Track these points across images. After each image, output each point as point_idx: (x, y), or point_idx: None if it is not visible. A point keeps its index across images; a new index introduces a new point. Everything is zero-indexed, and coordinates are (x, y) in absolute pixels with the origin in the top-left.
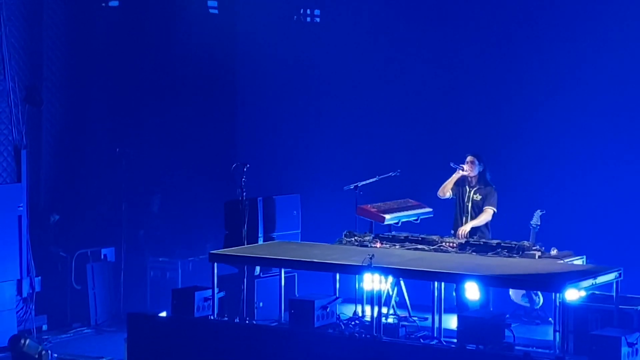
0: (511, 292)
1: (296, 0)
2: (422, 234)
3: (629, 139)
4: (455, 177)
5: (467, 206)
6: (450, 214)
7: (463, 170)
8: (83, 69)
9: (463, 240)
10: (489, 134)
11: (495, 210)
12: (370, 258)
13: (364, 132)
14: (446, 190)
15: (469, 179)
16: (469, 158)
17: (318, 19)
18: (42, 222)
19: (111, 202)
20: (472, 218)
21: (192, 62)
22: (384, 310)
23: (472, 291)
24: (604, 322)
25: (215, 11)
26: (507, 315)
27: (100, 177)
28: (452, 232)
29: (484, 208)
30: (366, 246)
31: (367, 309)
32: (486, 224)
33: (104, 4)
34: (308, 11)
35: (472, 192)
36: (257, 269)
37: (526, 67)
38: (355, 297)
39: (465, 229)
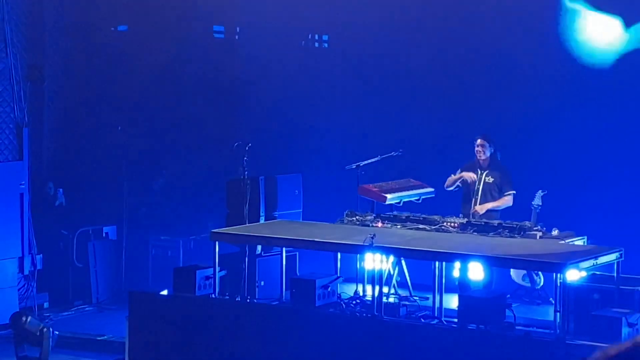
0: (512, 272)
1: None
2: (424, 214)
3: (631, 120)
4: (458, 176)
5: (478, 189)
6: (451, 193)
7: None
8: (86, 47)
9: (464, 221)
10: (491, 114)
11: (515, 192)
12: (372, 237)
13: (366, 112)
14: (450, 187)
15: (480, 161)
16: (478, 141)
17: None
18: (44, 200)
19: (113, 180)
20: (482, 202)
21: (194, 42)
22: (385, 289)
23: (475, 271)
24: (605, 302)
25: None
26: (508, 295)
27: (102, 155)
28: (461, 214)
29: (503, 194)
30: (368, 226)
31: (368, 288)
32: (498, 212)
33: None
34: None
35: (484, 175)
36: (259, 247)
37: (529, 49)
38: (356, 277)
39: (483, 207)
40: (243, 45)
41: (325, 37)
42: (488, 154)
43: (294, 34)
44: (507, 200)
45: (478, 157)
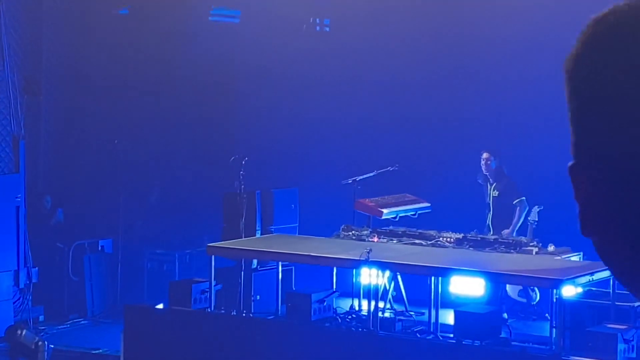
0: (508, 287)
1: None
2: (420, 229)
3: None
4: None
5: (489, 204)
6: (448, 209)
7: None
8: (83, 60)
9: (460, 236)
10: (488, 130)
11: (523, 198)
12: (368, 252)
13: (363, 127)
14: None
15: (488, 176)
16: (483, 155)
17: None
18: (40, 213)
19: (109, 194)
20: (494, 215)
21: (193, 57)
22: (381, 304)
23: (473, 287)
24: (601, 318)
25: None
26: (504, 312)
27: (98, 168)
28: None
29: (513, 204)
30: (364, 240)
31: (364, 303)
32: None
33: None
34: None
35: (491, 189)
36: (255, 261)
37: (527, 63)
38: (352, 291)
39: (508, 232)
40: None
41: (322, 46)
42: (493, 167)
43: (293, 39)
44: (518, 213)
45: (483, 171)
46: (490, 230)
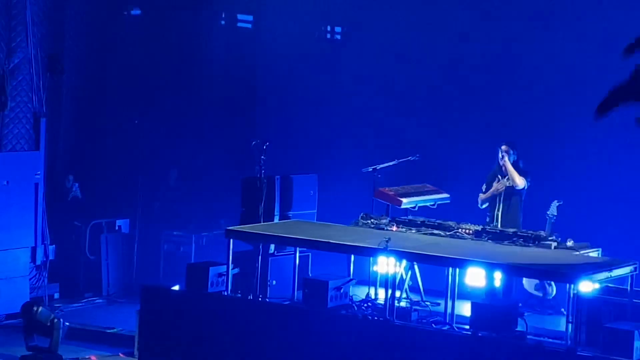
0: (525, 281)
1: None
2: (439, 220)
3: None
4: (490, 193)
5: (501, 194)
6: (467, 200)
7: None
8: (105, 39)
9: (479, 228)
10: (508, 123)
11: (525, 182)
12: (387, 241)
13: (384, 115)
14: (485, 203)
15: (503, 168)
16: (503, 147)
17: None
18: (59, 191)
19: (128, 174)
20: (504, 206)
21: (218, 44)
22: (397, 294)
23: (477, 277)
24: (618, 315)
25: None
26: (520, 304)
27: (118, 148)
28: (487, 219)
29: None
30: (382, 229)
31: (380, 291)
32: (519, 214)
33: None
34: None
35: (504, 180)
36: (272, 247)
37: (547, 56)
38: (368, 280)
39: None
40: (262, 42)
41: (343, 37)
42: (511, 160)
43: (314, 31)
44: (520, 177)
45: (500, 163)
46: (496, 223)
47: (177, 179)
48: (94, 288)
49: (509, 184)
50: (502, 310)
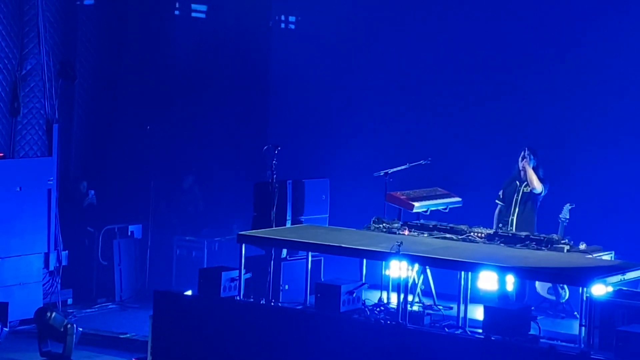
0: (537, 284)
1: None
2: (451, 224)
3: None
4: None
5: (517, 200)
6: (478, 204)
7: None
8: (117, 46)
9: (492, 232)
10: (520, 127)
11: (543, 188)
12: (399, 245)
13: (396, 120)
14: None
15: (521, 174)
16: (525, 152)
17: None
18: (72, 197)
19: (140, 179)
20: (519, 212)
21: (227, 44)
22: (410, 298)
23: (489, 281)
24: (631, 318)
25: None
26: (533, 308)
27: (130, 154)
28: (495, 222)
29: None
30: (394, 233)
31: (392, 296)
32: (534, 219)
33: None
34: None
35: (522, 186)
36: (284, 251)
37: (563, 61)
38: (380, 284)
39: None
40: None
41: (356, 42)
42: (531, 166)
43: (330, 37)
44: (537, 180)
45: (520, 168)
46: (511, 227)
47: (191, 185)
48: (107, 293)
49: (527, 190)
50: (515, 314)
